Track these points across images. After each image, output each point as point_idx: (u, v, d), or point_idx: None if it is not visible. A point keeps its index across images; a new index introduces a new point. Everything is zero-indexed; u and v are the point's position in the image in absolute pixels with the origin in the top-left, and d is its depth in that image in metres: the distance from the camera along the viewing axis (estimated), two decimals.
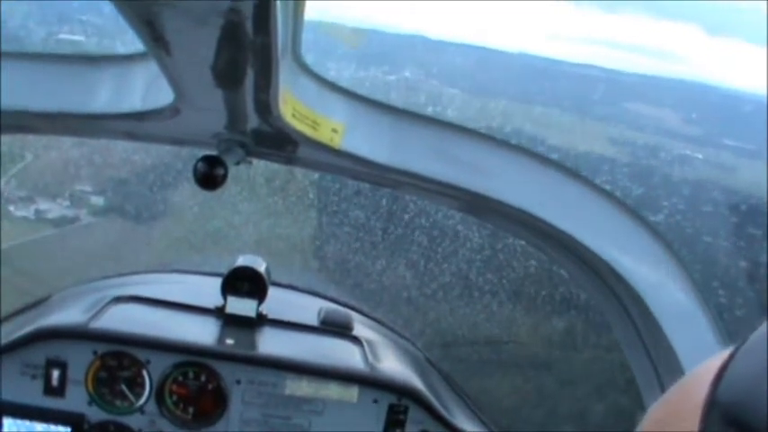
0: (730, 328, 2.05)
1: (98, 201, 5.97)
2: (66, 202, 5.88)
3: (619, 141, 5.82)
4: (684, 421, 0.61)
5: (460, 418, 2.67)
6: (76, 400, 2.48)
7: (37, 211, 5.79)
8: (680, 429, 0.62)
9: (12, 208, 5.64)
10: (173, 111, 1.74)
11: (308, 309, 2.97)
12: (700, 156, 5.66)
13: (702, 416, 0.59)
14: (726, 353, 0.63)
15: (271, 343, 2.64)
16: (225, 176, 1.78)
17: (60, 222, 5.87)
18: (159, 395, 2.51)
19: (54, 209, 5.85)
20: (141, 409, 2.51)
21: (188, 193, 5.23)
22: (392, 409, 2.53)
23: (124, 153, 5.31)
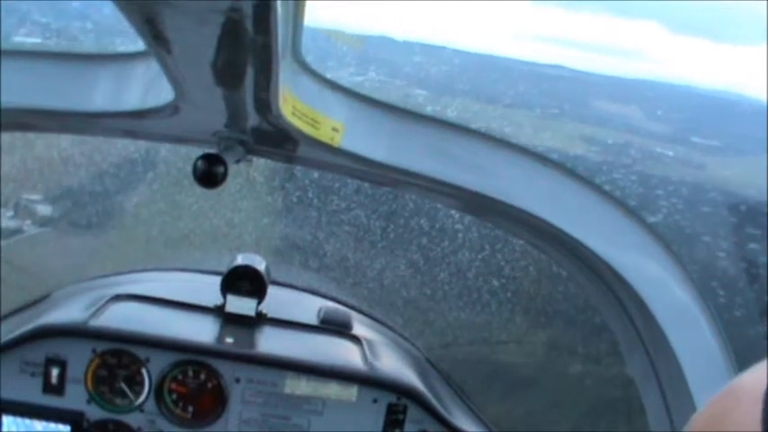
0: (729, 328, 2.06)
1: (45, 210, 5.68)
2: (10, 213, 5.60)
3: (588, 139, 5.83)
4: (740, 416, 0.62)
5: (460, 418, 2.67)
6: (76, 398, 2.48)
7: None
8: (735, 423, 0.62)
9: None
10: (173, 109, 1.74)
11: (308, 308, 2.98)
12: (670, 153, 5.69)
13: (764, 404, 0.59)
14: None
15: (270, 342, 2.64)
16: (225, 175, 1.78)
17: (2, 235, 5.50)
18: (159, 393, 2.51)
19: None
20: (141, 408, 2.51)
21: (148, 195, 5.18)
22: (391, 409, 2.53)
23: (75, 157, 5.17)
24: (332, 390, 2.52)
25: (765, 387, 0.61)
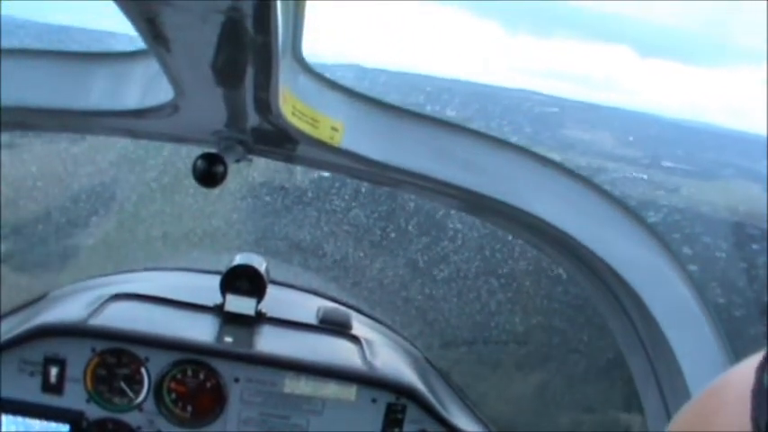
0: (729, 328, 2.06)
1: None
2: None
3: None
4: (726, 415, 0.62)
5: (459, 418, 2.67)
6: (75, 397, 2.48)
7: None
8: (721, 422, 0.62)
9: None
10: (172, 108, 1.74)
11: (307, 307, 2.97)
12: (644, 176, 5.77)
13: (753, 403, 0.59)
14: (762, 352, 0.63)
15: (269, 341, 2.64)
16: (224, 174, 1.78)
17: None
18: (158, 393, 2.51)
19: None
20: (140, 407, 2.51)
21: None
22: (390, 409, 2.53)
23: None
24: (331, 389, 2.52)
25: (751, 385, 0.60)
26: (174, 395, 2.52)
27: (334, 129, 1.84)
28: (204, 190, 1.83)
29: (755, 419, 0.58)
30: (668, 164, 6.07)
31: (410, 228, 4.87)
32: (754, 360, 0.63)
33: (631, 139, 6.23)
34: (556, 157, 1.99)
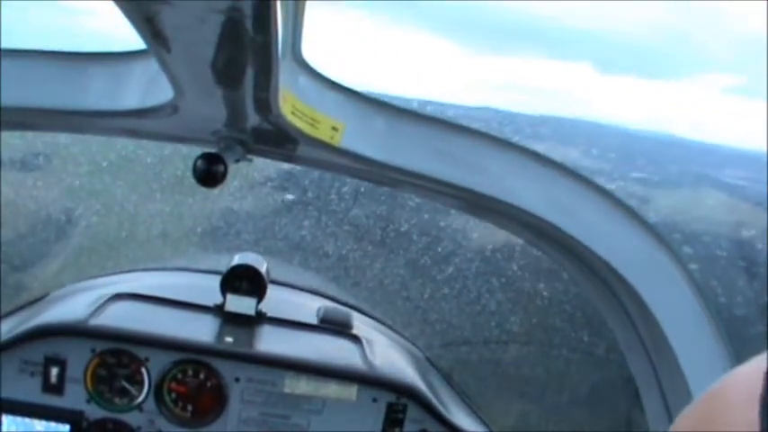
0: (729, 328, 2.05)
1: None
2: None
3: None
4: (730, 418, 0.61)
5: (460, 417, 2.67)
6: (75, 397, 2.48)
7: None
8: (725, 425, 0.62)
9: None
10: (172, 108, 1.74)
11: (308, 307, 2.97)
12: (613, 187, 5.81)
13: (761, 411, 0.58)
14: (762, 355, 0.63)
15: (270, 341, 2.64)
16: (224, 174, 1.78)
17: None
18: (158, 393, 2.51)
19: None
20: (140, 407, 2.51)
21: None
22: (391, 408, 2.53)
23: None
24: (331, 389, 2.52)
25: (758, 388, 0.60)
26: (174, 395, 2.52)
27: (333, 128, 1.84)
28: (204, 190, 1.83)
29: (764, 421, 0.57)
30: (636, 175, 6.14)
31: (410, 228, 4.87)
32: (757, 362, 0.62)
33: (595, 152, 6.32)
34: None
